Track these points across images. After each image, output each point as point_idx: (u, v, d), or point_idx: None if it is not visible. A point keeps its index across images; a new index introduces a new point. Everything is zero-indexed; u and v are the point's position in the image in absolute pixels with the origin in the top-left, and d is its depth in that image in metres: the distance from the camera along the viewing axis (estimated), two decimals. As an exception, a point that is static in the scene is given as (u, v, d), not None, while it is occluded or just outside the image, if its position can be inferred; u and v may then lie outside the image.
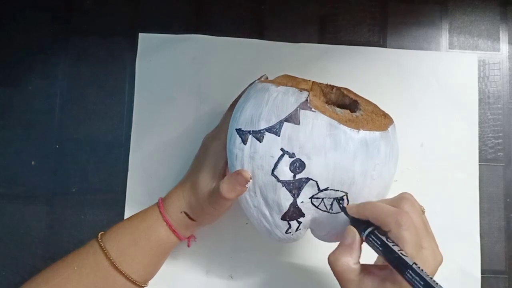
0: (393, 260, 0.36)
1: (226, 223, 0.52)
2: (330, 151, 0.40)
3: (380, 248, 0.37)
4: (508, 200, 0.56)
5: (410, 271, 0.35)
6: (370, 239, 0.38)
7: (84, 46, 0.57)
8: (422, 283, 0.34)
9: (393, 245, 0.37)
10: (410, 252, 0.36)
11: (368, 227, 0.39)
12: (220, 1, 0.58)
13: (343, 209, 0.42)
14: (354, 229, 0.39)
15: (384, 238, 0.37)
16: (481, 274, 0.54)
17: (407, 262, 0.35)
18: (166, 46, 0.57)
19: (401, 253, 0.36)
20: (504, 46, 0.59)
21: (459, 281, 0.54)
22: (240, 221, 0.54)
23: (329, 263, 0.39)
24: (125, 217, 0.54)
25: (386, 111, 0.46)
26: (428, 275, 0.34)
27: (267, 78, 0.49)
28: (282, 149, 0.40)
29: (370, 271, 0.39)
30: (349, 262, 0.38)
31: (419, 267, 0.35)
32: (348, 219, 0.41)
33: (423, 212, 0.41)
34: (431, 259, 0.38)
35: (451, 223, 0.55)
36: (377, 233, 0.38)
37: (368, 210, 0.39)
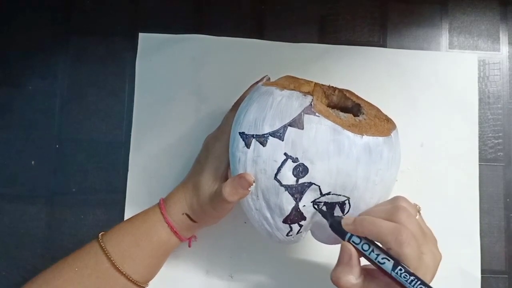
0: (376, 264, 0.38)
1: (226, 223, 0.51)
2: (334, 156, 0.40)
3: (362, 252, 0.38)
4: (508, 200, 0.56)
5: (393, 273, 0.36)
6: (353, 244, 0.39)
7: (84, 46, 0.57)
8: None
9: (369, 253, 0.37)
10: (413, 265, 0.36)
11: None
12: (220, 1, 0.58)
13: (322, 212, 0.41)
14: (350, 246, 0.39)
15: (367, 244, 0.38)
16: (481, 274, 0.54)
17: (385, 271, 0.36)
18: (166, 46, 0.57)
19: (378, 262, 0.37)
20: (504, 46, 0.58)
21: (459, 281, 0.54)
22: (239, 220, 0.54)
23: (331, 280, 0.39)
24: (125, 217, 0.54)
25: (386, 111, 0.46)
26: (405, 279, 0.35)
27: (269, 79, 0.49)
28: (285, 154, 0.40)
29: (373, 276, 0.39)
30: (350, 279, 0.38)
31: (397, 272, 0.35)
32: (327, 222, 0.41)
33: (419, 211, 0.41)
34: (431, 262, 0.38)
35: (451, 223, 0.55)
36: (358, 237, 0.39)
37: (366, 228, 0.38)
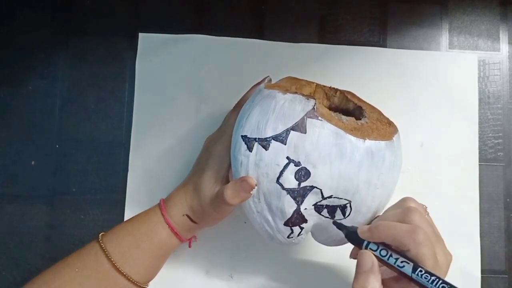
0: (395, 268, 0.37)
1: (226, 224, 0.51)
2: (336, 160, 0.40)
3: (380, 258, 0.38)
4: (508, 200, 0.56)
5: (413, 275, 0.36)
6: (371, 251, 0.39)
7: (84, 46, 0.57)
8: None
9: (388, 259, 0.37)
10: (429, 265, 0.36)
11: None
12: (220, 1, 0.58)
13: (337, 224, 0.41)
14: (370, 253, 0.38)
15: (384, 250, 0.38)
16: (481, 274, 0.54)
17: (405, 274, 0.36)
18: (166, 46, 0.57)
19: (397, 266, 0.37)
20: (504, 46, 0.58)
21: (459, 281, 0.53)
22: (239, 220, 0.54)
23: None
24: (125, 217, 0.54)
25: (386, 112, 0.46)
26: (427, 279, 0.35)
27: (270, 80, 0.48)
28: (288, 158, 0.40)
29: (387, 285, 0.39)
30: (376, 286, 0.37)
31: (418, 273, 0.35)
32: (342, 233, 0.41)
33: (426, 210, 0.41)
34: (444, 261, 0.38)
35: (451, 223, 0.55)
36: (375, 243, 0.39)
37: (382, 233, 0.38)
